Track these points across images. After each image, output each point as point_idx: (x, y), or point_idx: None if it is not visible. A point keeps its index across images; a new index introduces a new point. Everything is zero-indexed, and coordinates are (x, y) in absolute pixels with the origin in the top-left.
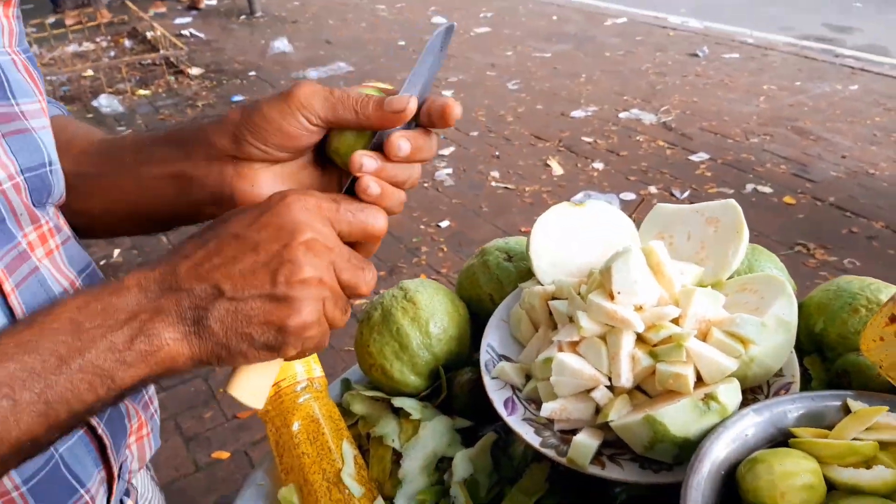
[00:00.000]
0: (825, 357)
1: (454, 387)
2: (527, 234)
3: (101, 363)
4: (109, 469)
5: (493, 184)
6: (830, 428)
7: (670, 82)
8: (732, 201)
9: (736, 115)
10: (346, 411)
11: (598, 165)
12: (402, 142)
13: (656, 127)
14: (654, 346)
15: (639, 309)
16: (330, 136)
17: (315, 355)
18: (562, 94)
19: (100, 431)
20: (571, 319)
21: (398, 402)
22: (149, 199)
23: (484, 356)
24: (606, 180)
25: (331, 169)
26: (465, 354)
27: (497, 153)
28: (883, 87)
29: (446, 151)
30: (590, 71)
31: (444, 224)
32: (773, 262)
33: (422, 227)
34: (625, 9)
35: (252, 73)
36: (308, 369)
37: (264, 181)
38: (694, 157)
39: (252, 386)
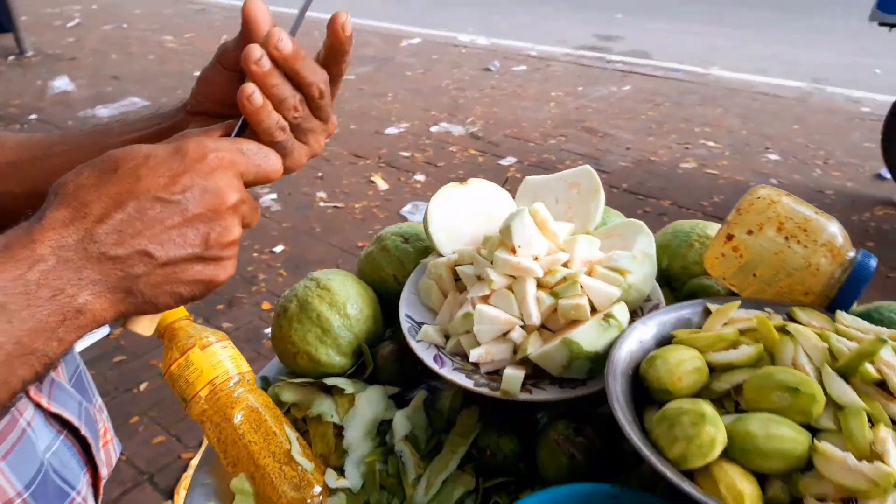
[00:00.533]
0: (673, 288)
1: (378, 359)
2: (364, 248)
3: (35, 345)
4: (94, 470)
5: (322, 204)
6: (699, 328)
7: (470, 95)
8: (588, 167)
9: (532, 121)
10: (276, 403)
11: (420, 177)
12: (282, 34)
13: (465, 137)
14: (553, 287)
15: (536, 259)
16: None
17: (239, 354)
18: (372, 113)
19: (83, 432)
20: (479, 278)
21: (331, 381)
22: None
23: (405, 324)
24: (430, 190)
25: None
26: (380, 332)
27: (320, 174)
28: (651, 86)
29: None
30: (394, 90)
31: (278, 249)
32: (619, 216)
33: (255, 254)
34: (417, 30)
35: (32, 116)
36: (237, 365)
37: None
38: (503, 162)
39: (148, 320)
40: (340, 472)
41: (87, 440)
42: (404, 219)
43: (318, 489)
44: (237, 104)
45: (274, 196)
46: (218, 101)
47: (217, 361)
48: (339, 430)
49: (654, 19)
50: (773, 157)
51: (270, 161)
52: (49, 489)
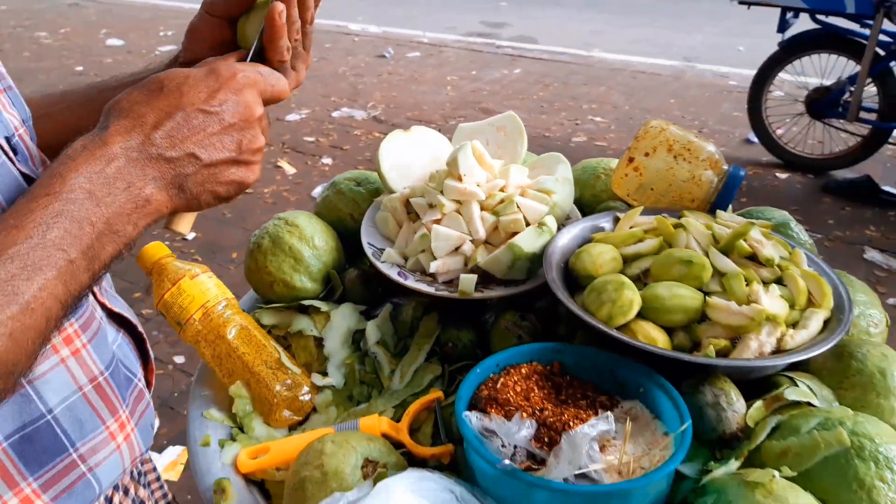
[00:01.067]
0: (585, 214)
1: (346, 283)
2: None
3: (117, 227)
4: (146, 364)
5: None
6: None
7: (368, 81)
8: (512, 112)
9: (432, 104)
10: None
11: (327, 161)
12: None
13: (368, 121)
14: (494, 208)
15: (478, 185)
16: (237, 28)
17: (222, 283)
18: None
19: (140, 329)
20: (431, 206)
21: (308, 302)
22: None
23: (368, 250)
24: (338, 172)
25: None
26: (343, 262)
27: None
28: (539, 68)
29: None
30: None
31: (191, 236)
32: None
33: (167, 243)
34: None
35: None
36: (223, 292)
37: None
38: None
39: (185, 221)
40: (324, 375)
41: (143, 336)
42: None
43: (306, 388)
44: (225, 46)
45: None
46: (208, 47)
47: (206, 288)
48: (318, 342)
49: (537, 6)
50: None
51: (281, 82)
52: (120, 374)
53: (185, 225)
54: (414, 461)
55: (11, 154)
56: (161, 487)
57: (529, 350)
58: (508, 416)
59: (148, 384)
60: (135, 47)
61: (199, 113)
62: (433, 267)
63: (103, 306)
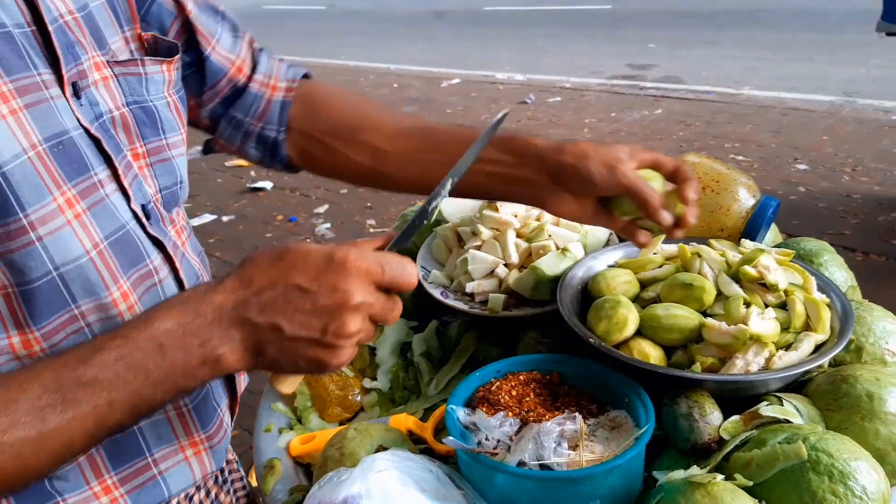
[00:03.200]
0: None
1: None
2: None
3: (175, 379)
4: (233, 394)
5: (371, 230)
6: None
7: (507, 127)
8: None
9: None
10: None
11: None
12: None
13: None
14: (528, 235)
15: (515, 215)
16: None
17: None
18: None
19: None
20: (473, 233)
21: None
22: (468, 184)
23: (420, 272)
24: None
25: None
26: None
27: (369, 204)
28: (681, 108)
29: (321, 209)
30: None
31: None
32: None
33: None
34: (457, 71)
35: None
36: None
37: (566, 204)
38: None
39: (287, 382)
40: (373, 380)
41: (234, 376)
42: None
43: (356, 390)
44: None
45: (328, 225)
46: (590, 191)
47: None
48: (372, 351)
49: (686, 46)
50: (802, 166)
51: (407, 272)
52: (206, 405)
53: (288, 386)
54: (435, 458)
55: (144, 219)
56: (244, 487)
57: (530, 359)
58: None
59: (232, 413)
60: None
61: (298, 290)
62: (469, 287)
63: None
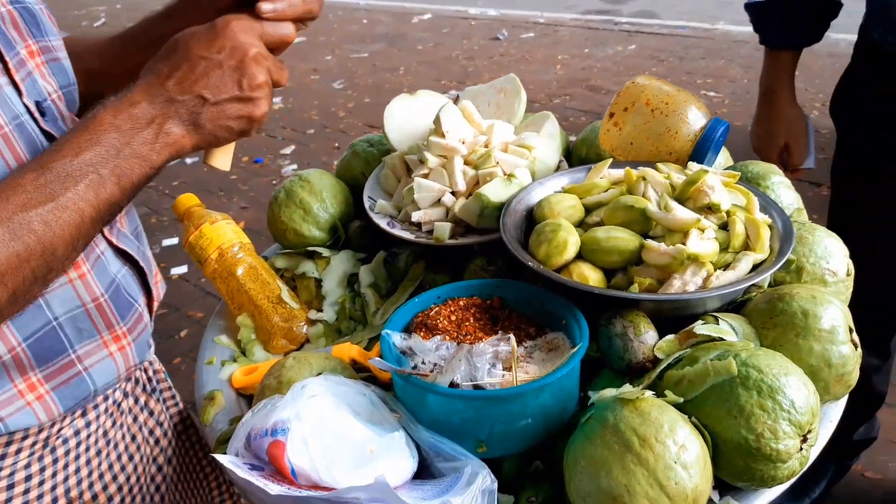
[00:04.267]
0: None
1: (349, 232)
2: None
3: (142, 152)
4: (149, 295)
5: None
6: None
7: (479, 64)
8: (512, 75)
9: (539, 83)
10: (273, 269)
11: None
12: None
13: None
14: (475, 162)
15: (463, 142)
16: None
17: (240, 230)
18: (385, 86)
19: (141, 264)
20: (420, 161)
21: (313, 248)
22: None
23: (367, 202)
24: None
25: None
26: (351, 214)
27: (337, 144)
28: (655, 43)
29: (287, 150)
30: (406, 64)
31: None
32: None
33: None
34: (428, 6)
35: None
36: (238, 237)
37: None
38: None
39: (221, 156)
40: (320, 311)
41: (144, 270)
42: None
43: (302, 322)
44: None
45: (294, 166)
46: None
47: (223, 233)
48: (319, 284)
49: None
50: None
51: (284, 27)
52: (120, 297)
53: (222, 161)
54: (382, 386)
55: (38, 115)
56: (174, 398)
57: (470, 285)
58: None
59: (150, 311)
60: None
61: (202, 60)
62: (416, 216)
63: (110, 243)
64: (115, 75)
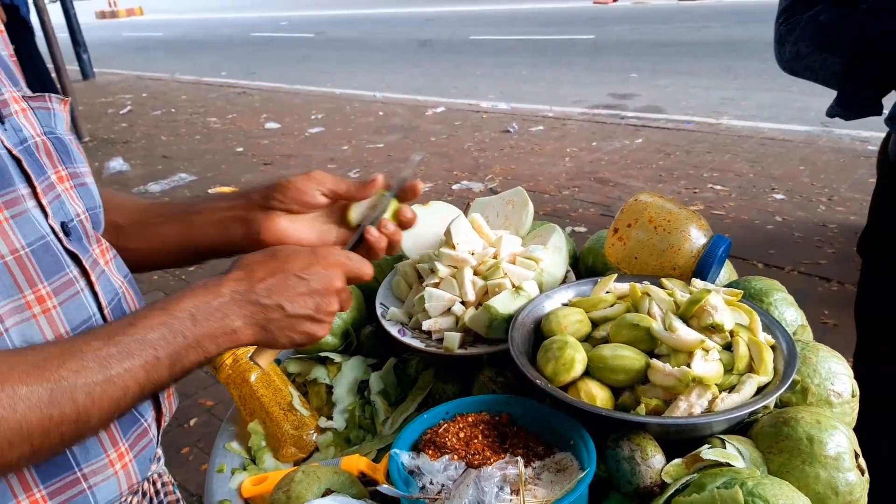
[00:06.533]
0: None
1: (360, 338)
2: None
3: (204, 343)
4: (159, 409)
5: None
6: None
7: (490, 155)
8: (520, 188)
9: (548, 175)
10: (285, 374)
11: None
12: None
13: (484, 192)
14: (484, 273)
15: (472, 253)
16: (348, 210)
17: None
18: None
19: None
20: (431, 270)
21: (325, 354)
22: (196, 239)
23: (379, 309)
24: None
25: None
26: (364, 319)
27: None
28: (662, 137)
29: None
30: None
31: None
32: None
33: None
34: (441, 100)
35: None
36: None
37: (284, 226)
38: None
39: (267, 356)
40: (330, 419)
41: None
42: None
43: (311, 430)
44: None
45: None
46: (296, 202)
47: None
48: (329, 390)
49: (667, 76)
50: (779, 196)
51: (366, 267)
52: (126, 417)
53: (265, 360)
54: (388, 500)
55: (62, 235)
56: (177, 499)
57: (479, 400)
58: None
59: (159, 426)
60: (288, 129)
61: (294, 277)
62: (426, 325)
63: None
64: (137, 234)
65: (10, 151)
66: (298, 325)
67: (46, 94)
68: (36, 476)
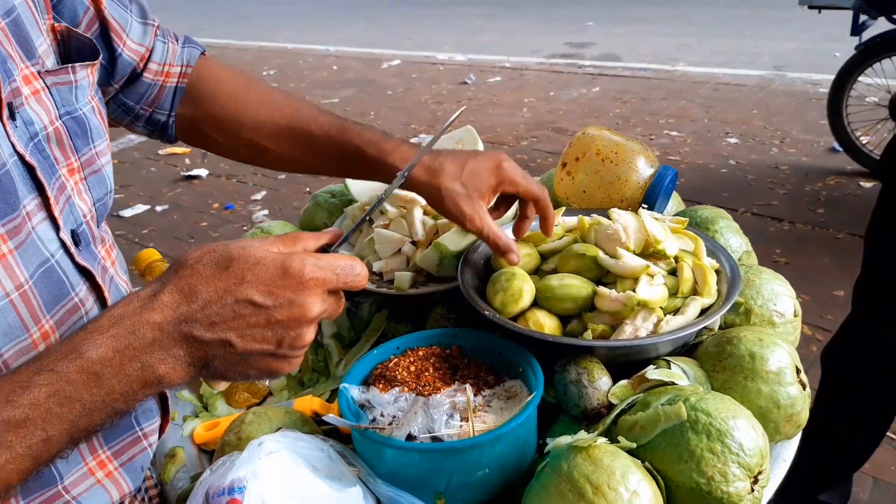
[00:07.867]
0: None
1: None
2: None
3: (113, 404)
4: (165, 415)
5: None
6: None
7: (448, 108)
8: (469, 126)
9: (506, 126)
10: None
11: None
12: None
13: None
14: (434, 212)
15: None
16: None
17: None
18: None
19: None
20: (381, 212)
21: None
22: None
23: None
24: None
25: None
26: None
27: (307, 189)
28: (618, 85)
29: (258, 196)
30: (377, 109)
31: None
32: None
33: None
34: (397, 52)
35: None
36: None
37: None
38: None
39: (220, 383)
40: None
41: (166, 394)
42: None
43: None
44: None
45: (265, 212)
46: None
47: None
48: None
49: (623, 24)
50: (733, 140)
51: (358, 275)
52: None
53: (221, 385)
54: (343, 438)
55: (73, 247)
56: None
57: (429, 334)
58: None
59: (161, 432)
60: None
61: (249, 304)
62: (377, 266)
63: None
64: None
65: (22, 157)
66: (254, 362)
67: (69, 66)
68: (17, 491)
